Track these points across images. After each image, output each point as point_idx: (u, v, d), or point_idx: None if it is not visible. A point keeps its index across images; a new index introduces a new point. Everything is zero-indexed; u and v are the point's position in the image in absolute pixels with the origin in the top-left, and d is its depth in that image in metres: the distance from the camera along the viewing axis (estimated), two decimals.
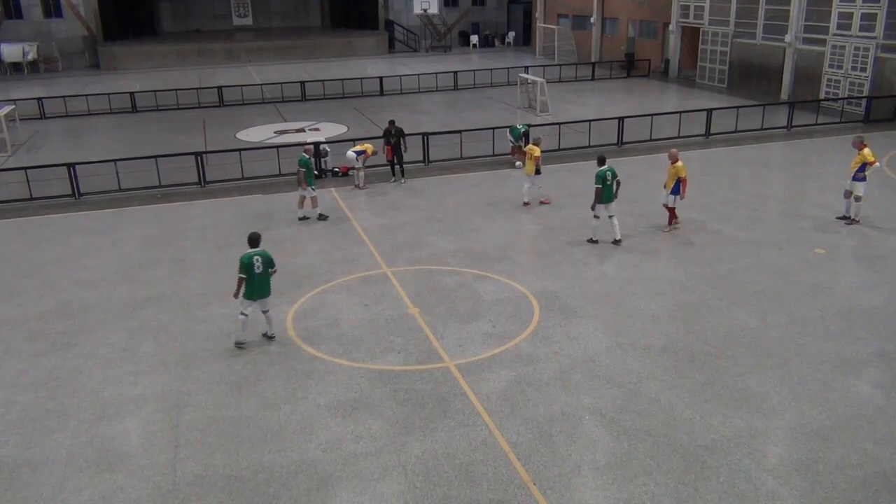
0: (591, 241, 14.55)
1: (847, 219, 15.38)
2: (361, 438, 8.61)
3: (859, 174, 14.98)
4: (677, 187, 14.65)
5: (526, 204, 17.08)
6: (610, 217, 14.29)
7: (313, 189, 16.34)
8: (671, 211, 15.14)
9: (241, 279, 10.48)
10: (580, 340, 10.76)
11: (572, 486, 7.72)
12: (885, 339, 10.58)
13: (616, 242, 14.40)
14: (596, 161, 14.50)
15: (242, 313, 10.61)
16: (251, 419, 9.06)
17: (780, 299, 11.95)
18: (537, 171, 16.83)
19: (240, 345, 10.79)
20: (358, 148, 18.95)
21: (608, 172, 14.06)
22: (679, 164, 14.52)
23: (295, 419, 9.03)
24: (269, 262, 10.60)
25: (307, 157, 16.34)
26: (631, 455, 8.16)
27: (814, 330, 10.90)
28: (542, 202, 17.20)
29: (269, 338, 10.98)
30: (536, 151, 16.80)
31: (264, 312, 10.84)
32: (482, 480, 7.83)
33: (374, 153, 19.12)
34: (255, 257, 10.46)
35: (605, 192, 14.05)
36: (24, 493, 7.86)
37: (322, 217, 16.58)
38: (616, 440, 8.43)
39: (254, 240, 10.70)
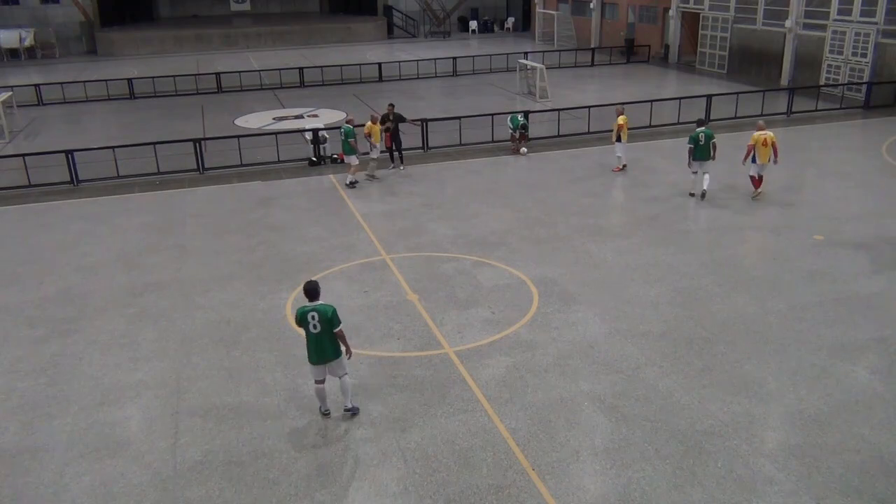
0: (691, 194, 16.21)
1: None
2: (361, 424, 8.65)
3: None
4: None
5: (624, 167, 18.73)
6: (704, 173, 15.91)
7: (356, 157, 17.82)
8: None
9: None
10: (579, 327, 10.78)
11: (571, 471, 7.76)
12: (883, 325, 10.61)
13: (702, 195, 15.92)
14: (695, 123, 16.22)
15: (316, 381, 8.75)
16: (251, 405, 9.10)
17: (779, 285, 11.97)
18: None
19: (325, 413, 8.91)
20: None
21: (701, 134, 15.68)
22: None
23: (294, 405, 9.06)
24: (328, 321, 8.37)
25: (351, 127, 17.79)
26: (629, 440, 8.20)
27: (812, 316, 10.93)
28: (614, 169, 18.68)
29: (347, 411, 8.85)
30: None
31: (339, 378, 8.76)
32: (481, 466, 7.87)
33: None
34: (311, 313, 8.38)
35: (698, 151, 15.74)
36: (25, 479, 7.89)
37: (352, 184, 18.08)
38: (615, 426, 8.46)
39: (309, 291, 8.51)
